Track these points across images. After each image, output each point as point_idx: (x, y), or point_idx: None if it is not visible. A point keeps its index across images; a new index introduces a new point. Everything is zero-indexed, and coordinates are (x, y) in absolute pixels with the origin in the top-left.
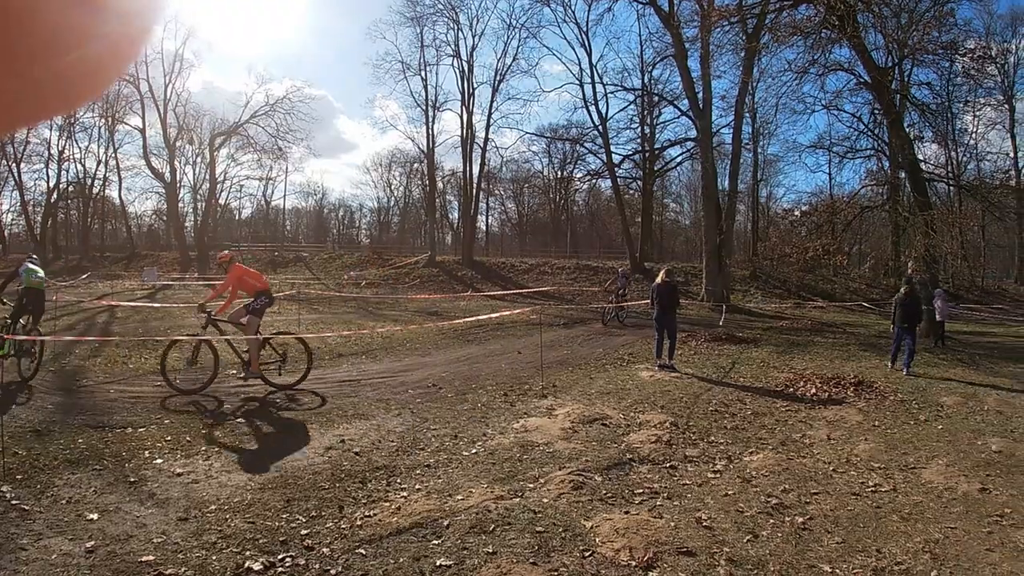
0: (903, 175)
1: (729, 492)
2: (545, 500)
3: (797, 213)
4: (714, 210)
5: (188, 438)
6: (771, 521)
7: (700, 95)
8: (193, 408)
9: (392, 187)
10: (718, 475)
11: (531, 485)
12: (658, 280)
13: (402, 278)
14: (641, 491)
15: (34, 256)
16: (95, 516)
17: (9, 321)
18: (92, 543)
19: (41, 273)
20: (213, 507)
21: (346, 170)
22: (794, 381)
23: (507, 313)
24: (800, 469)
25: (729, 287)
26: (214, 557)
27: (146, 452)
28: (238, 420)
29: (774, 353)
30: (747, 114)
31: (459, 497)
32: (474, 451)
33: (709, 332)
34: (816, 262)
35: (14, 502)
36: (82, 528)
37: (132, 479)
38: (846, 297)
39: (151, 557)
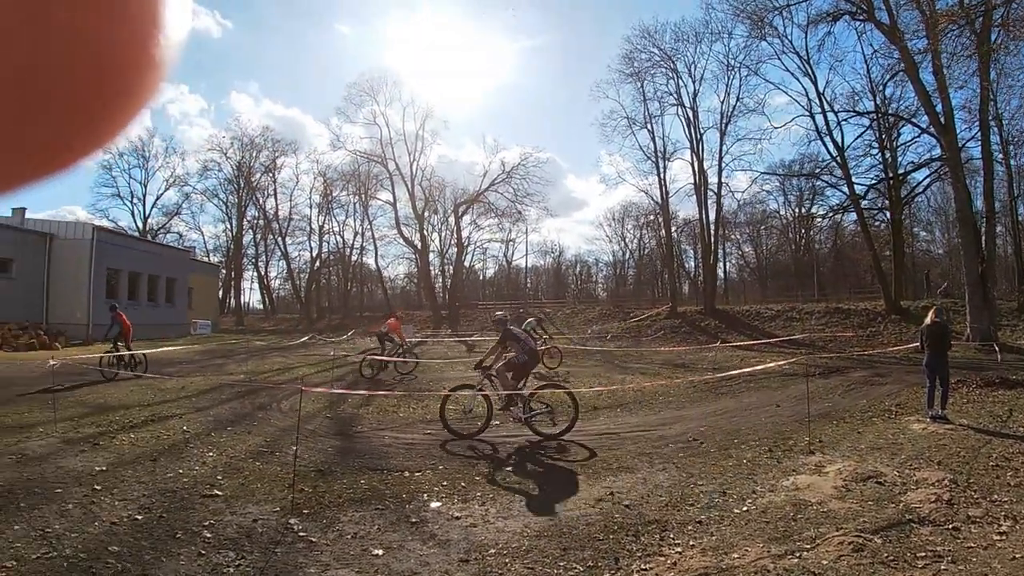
0: None
1: (1017, 556)
2: (824, 562)
3: None
4: (972, 236)
5: (463, 484)
6: None
7: (940, 109)
8: (465, 456)
9: (626, 240)
10: (1004, 537)
11: (808, 546)
12: (927, 321)
13: (644, 330)
14: (923, 554)
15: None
16: (380, 552)
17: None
18: None
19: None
20: (492, 551)
21: (578, 227)
22: None
23: (771, 365)
24: None
25: (996, 323)
26: None
27: (424, 495)
28: (508, 468)
29: None
30: (993, 123)
31: (735, 555)
32: (744, 508)
33: (980, 376)
34: None
35: (301, 534)
36: (368, 562)
37: (413, 519)
38: None
39: None
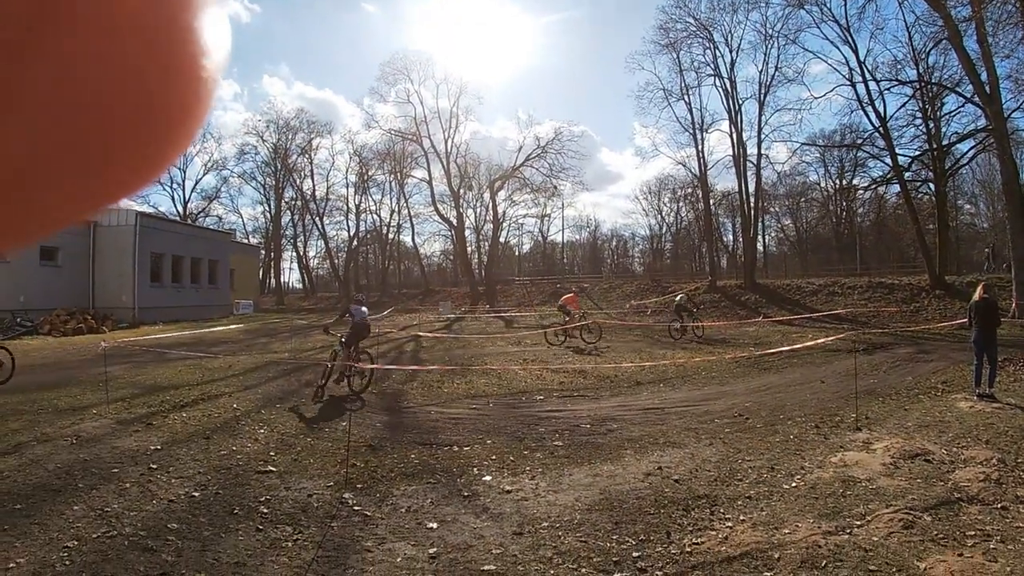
0: None
1: None
2: (875, 538)
3: None
4: (1019, 209)
5: (511, 458)
6: None
7: (985, 78)
8: (512, 430)
9: (662, 213)
10: None
11: (858, 522)
12: (975, 297)
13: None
14: (973, 533)
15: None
16: (434, 525)
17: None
18: (434, 550)
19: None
20: (545, 524)
21: (614, 201)
22: None
23: (818, 341)
24: None
25: None
26: (551, 572)
27: (474, 469)
28: (557, 443)
29: None
30: None
31: (785, 531)
32: (793, 484)
33: None
34: None
35: (356, 508)
36: (423, 535)
37: (465, 493)
38: None
39: (492, 567)
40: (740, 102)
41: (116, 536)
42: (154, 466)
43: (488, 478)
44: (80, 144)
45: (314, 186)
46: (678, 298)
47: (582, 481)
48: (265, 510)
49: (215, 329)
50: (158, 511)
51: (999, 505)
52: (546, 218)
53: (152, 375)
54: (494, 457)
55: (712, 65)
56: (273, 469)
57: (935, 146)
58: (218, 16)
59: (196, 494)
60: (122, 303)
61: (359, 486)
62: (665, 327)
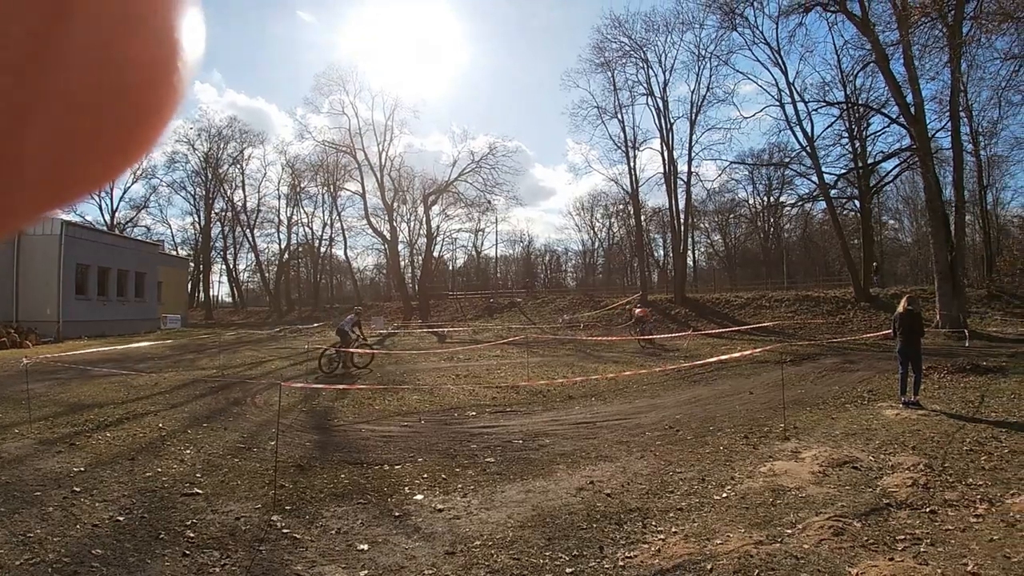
0: None
1: (994, 537)
2: (806, 546)
3: None
4: (941, 225)
5: (443, 476)
6: None
7: (910, 100)
8: (444, 447)
9: (595, 229)
10: (980, 519)
11: (789, 531)
12: (900, 309)
13: (615, 319)
14: (903, 537)
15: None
16: (365, 546)
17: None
18: (365, 572)
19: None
20: (478, 543)
21: (547, 216)
22: None
23: (745, 352)
24: None
25: (965, 310)
26: None
27: (406, 488)
28: (488, 460)
29: None
30: (962, 114)
31: (717, 541)
32: (724, 495)
33: (951, 363)
34: None
35: (285, 531)
36: (353, 557)
37: (396, 513)
38: None
39: None
40: (672, 121)
41: (39, 563)
42: (78, 489)
43: (420, 497)
44: (44, 140)
45: (245, 197)
46: (637, 311)
47: (514, 498)
48: (192, 534)
49: (141, 344)
50: (82, 536)
51: (927, 509)
52: (480, 233)
53: (76, 393)
54: (426, 475)
55: (645, 84)
56: (200, 491)
57: (860, 164)
58: (194, 15)
59: (121, 518)
60: (46, 316)
61: (288, 508)
62: (595, 341)
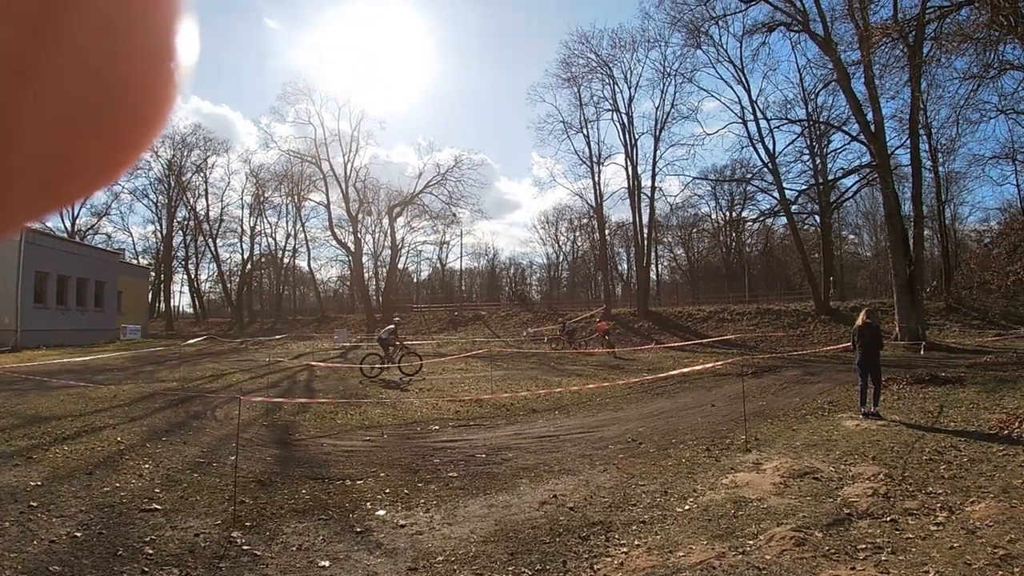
0: None
1: (954, 545)
2: (768, 557)
3: (989, 234)
4: (900, 239)
5: (406, 491)
6: (1000, 574)
7: (871, 117)
8: (407, 462)
9: (560, 242)
10: (940, 527)
11: (751, 542)
12: (859, 322)
13: (578, 331)
14: (864, 546)
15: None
16: (326, 563)
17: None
18: None
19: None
20: (440, 558)
21: (512, 229)
22: (1008, 422)
23: (707, 365)
24: None
25: (924, 322)
26: None
27: (368, 504)
28: (452, 475)
29: (982, 392)
30: (921, 131)
31: (680, 553)
32: (686, 507)
33: (910, 374)
34: (1019, 287)
35: (245, 547)
36: (315, 574)
37: (358, 529)
38: None
39: None
40: (636, 137)
41: None
42: (34, 504)
43: (382, 512)
44: (36, 144)
45: (208, 206)
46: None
47: (477, 512)
48: (150, 551)
49: (101, 355)
50: (39, 552)
51: (888, 518)
52: (444, 245)
53: (33, 404)
54: (388, 490)
55: (611, 100)
56: (159, 507)
57: (821, 181)
58: (189, 20)
59: (79, 534)
60: (4, 325)
61: (248, 524)
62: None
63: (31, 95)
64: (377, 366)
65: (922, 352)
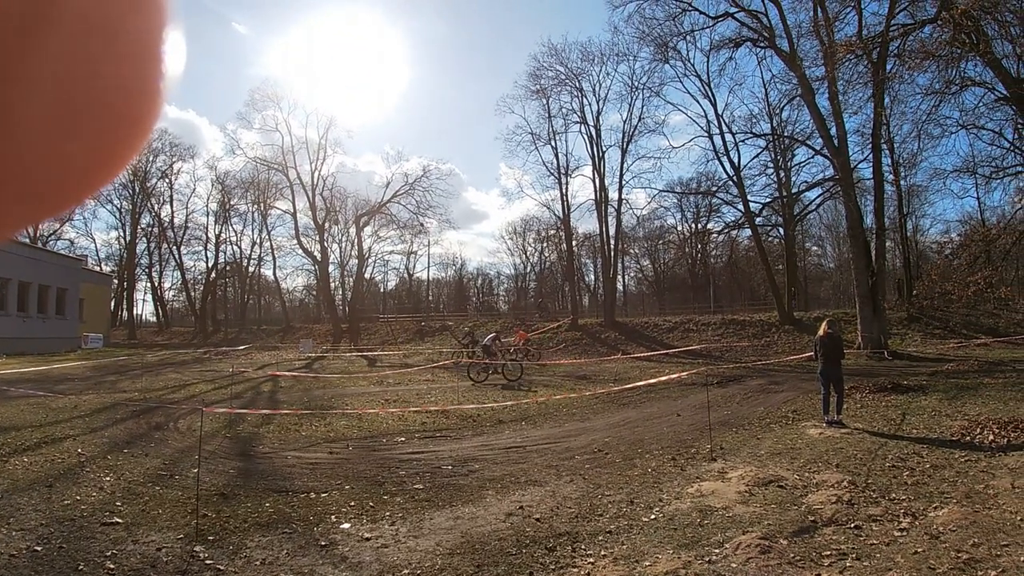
0: None
1: (918, 550)
2: (734, 565)
3: (950, 246)
4: (863, 251)
5: (371, 503)
6: None
7: (834, 132)
8: (372, 475)
9: (527, 253)
10: (904, 533)
11: (717, 550)
12: (820, 332)
13: (545, 343)
14: (829, 553)
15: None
16: None
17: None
18: None
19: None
20: (406, 571)
21: (479, 239)
22: (969, 429)
23: (672, 376)
24: (987, 521)
25: (886, 332)
26: None
27: (332, 517)
28: (417, 487)
29: (944, 400)
30: (884, 146)
31: (647, 563)
32: (652, 517)
33: (872, 383)
34: (979, 297)
35: (208, 562)
36: None
37: (323, 543)
38: (1011, 331)
39: None
40: (604, 149)
41: None
42: None
43: (346, 526)
44: (22, 153)
45: (172, 213)
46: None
47: (443, 524)
48: (112, 565)
49: (62, 364)
50: None
51: (852, 525)
52: (412, 255)
53: None
54: (353, 503)
55: (579, 112)
56: (120, 520)
57: (785, 194)
58: (175, 27)
59: (38, 548)
60: None
61: (211, 538)
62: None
63: (18, 102)
64: (483, 372)
65: (884, 361)
